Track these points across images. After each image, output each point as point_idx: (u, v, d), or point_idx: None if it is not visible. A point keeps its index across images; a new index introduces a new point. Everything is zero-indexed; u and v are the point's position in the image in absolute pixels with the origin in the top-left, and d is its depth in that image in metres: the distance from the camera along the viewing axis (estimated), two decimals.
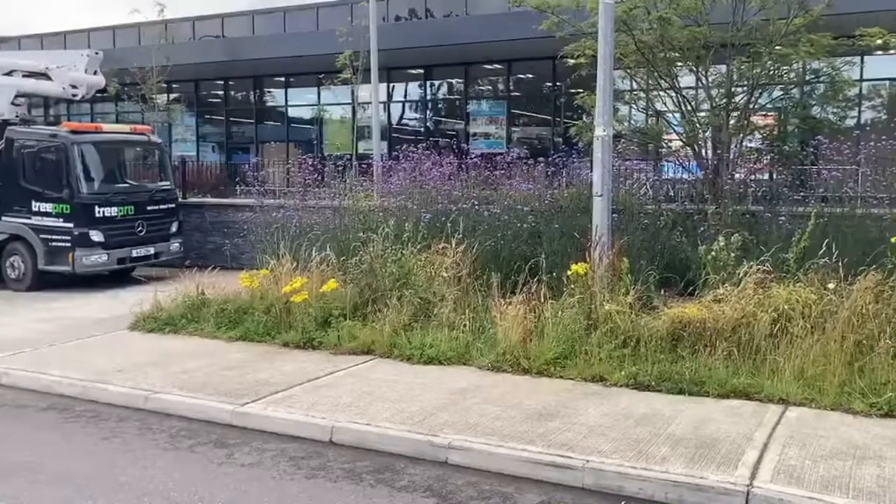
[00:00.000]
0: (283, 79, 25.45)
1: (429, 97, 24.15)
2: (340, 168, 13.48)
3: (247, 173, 13.23)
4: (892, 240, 7.12)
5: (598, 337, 7.22)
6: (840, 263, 7.15)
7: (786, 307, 6.88)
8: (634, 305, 7.41)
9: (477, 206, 10.07)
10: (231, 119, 27.20)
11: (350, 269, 9.12)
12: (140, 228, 13.32)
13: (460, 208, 9.92)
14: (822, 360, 6.48)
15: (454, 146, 15.10)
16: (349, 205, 11.03)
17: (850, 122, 17.01)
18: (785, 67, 10.29)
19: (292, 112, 26.06)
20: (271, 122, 26.52)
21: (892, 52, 17.90)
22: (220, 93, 27.42)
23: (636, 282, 7.79)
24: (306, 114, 25.94)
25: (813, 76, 11.52)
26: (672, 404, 6.19)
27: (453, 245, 8.89)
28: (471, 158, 11.30)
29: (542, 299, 7.80)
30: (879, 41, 9.69)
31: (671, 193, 11.73)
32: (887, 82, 19.67)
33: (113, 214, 12.96)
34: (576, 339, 7.34)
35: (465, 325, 7.97)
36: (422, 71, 23.50)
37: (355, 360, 7.73)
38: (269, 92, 26.84)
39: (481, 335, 7.84)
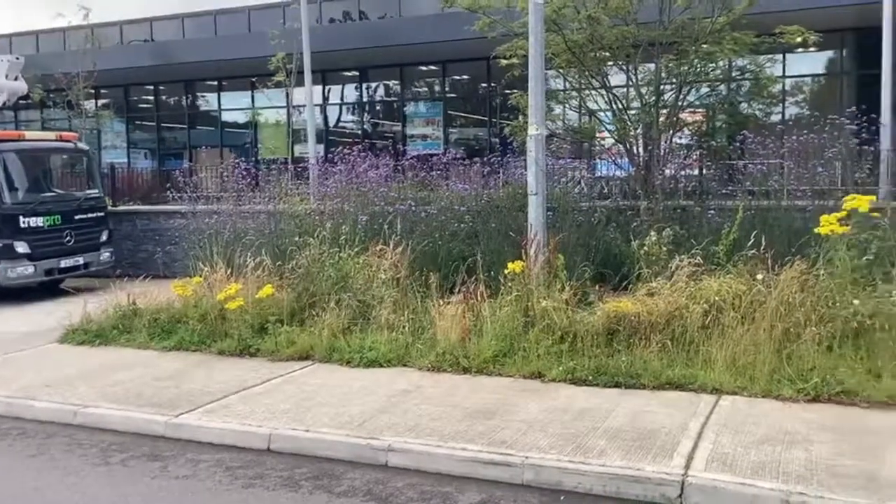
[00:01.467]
0: (215, 83, 25.01)
1: (365, 99, 24.05)
2: (275, 172, 13.30)
3: (179, 179, 12.91)
4: (815, 230, 7.32)
5: (536, 334, 7.28)
6: (768, 254, 7.36)
7: (717, 299, 7.04)
8: (570, 301, 7.49)
9: (414, 208, 10.05)
10: (163, 124, 26.61)
11: (287, 274, 8.99)
12: (68, 238, 12.91)
13: (397, 210, 9.88)
14: (753, 349, 6.64)
15: (391, 148, 15.06)
16: (284, 209, 10.88)
17: (776, 118, 17.61)
18: (711, 65, 10.55)
19: (226, 116, 25.65)
20: (204, 127, 26.02)
21: (812, 49, 18.61)
22: (151, 98, 26.81)
23: (572, 278, 7.89)
24: (240, 118, 25.55)
25: (739, 73, 11.84)
26: (609, 398, 6.27)
27: (391, 247, 8.86)
28: (407, 160, 11.27)
29: (480, 298, 7.83)
30: (798, 39, 10.00)
31: (605, 190, 11.91)
32: (809, 78, 20.38)
33: (39, 225, 12.53)
34: (514, 336, 7.39)
35: (404, 327, 7.94)
36: (357, 73, 23.40)
37: (294, 366, 7.62)
38: (201, 96, 26.35)
39: (421, 336, 7.82)
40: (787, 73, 18.77)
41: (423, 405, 6.28)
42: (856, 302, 6.79)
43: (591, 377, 6.66)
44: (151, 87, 26.38)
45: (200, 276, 9.30)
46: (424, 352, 7.52)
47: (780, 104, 18.47)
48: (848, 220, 7.35)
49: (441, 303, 7.89)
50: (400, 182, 10.78)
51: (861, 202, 7.19)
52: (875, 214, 7.38)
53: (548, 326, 7.32)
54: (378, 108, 24.47)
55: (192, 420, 6.21)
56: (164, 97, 26.85)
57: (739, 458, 4.90)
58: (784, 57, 17.62)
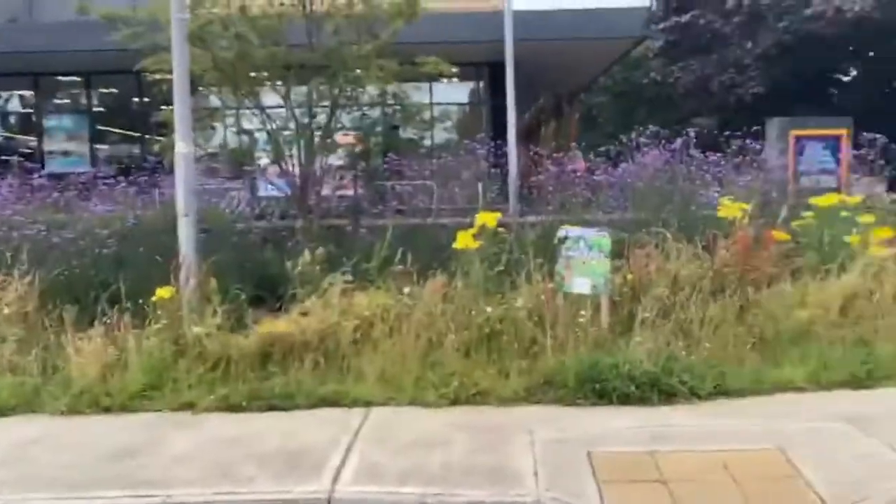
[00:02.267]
0: None
1: None
2: None
3: None
4: (453, 245, 7.94)
5: (188, 363, 6.91)
6: (414, 269, 7.81)
7: (367, 314, 7.29)
8: (224, 326, 7.25)
9: (45, 232, 9.01)
10: None
11: None
12: None
13: (24, 235, 8.78)
14: (401, 360, 6.98)
15: (22, 165, 13.43)
16: None
17: (428, 142, 18.99)
18: (360, 89, 10.99)
19: None
20: None
21: (454, 80, 20.36)
22: None
23: (226, 301, 7.65)
24: None
25: (391, 99, 12.51)
26: (263, 422, 6.15)
27: (17, 277, 7.84)
28: (39, 178, 10.11)
29: (125, 329, 7.24)
30: (435, 69, 10.83)
31: (263, 211, 11.82)
32: (456, 106, 22.32)
33: None
34: (163, 367, 6.92)
35: (33, 368, 7.05)
36: None
37: None
38: None
39: (54, 376, 7.00)
40: (435, 101, 20.27)
41: (53, 453, 5.60)
42: (488, 309, 7.46)
43: (245, 403, 6.47)
44: None
45: None
46: (58, 394, 6.72)
47: (430, 130, 19.91)
48: (480, 236, 8.10)
49: (78, 337, 7.15)
50: (27, 203, 9.61)
51: (489, 219, 7.96)
52: (501, 230, 8.21)
53: (200, 354, 6.98)
54: (12, 121, 21.74)
55: None
56: None
57: (387, 468, 5.09)
58: (431, 86, 19.06)
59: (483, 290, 7.88)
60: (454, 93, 21.94)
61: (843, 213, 8.61)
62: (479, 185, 12.79)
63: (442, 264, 8.24)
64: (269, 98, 11.63)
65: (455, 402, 6.48)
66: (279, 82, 11.06)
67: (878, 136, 10.03)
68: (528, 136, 32.38)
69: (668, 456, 5.25)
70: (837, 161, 11.61)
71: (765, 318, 7.36)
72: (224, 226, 9.97)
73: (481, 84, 21.73)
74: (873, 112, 13.35)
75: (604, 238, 7.58)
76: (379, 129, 12.30)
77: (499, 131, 19.55)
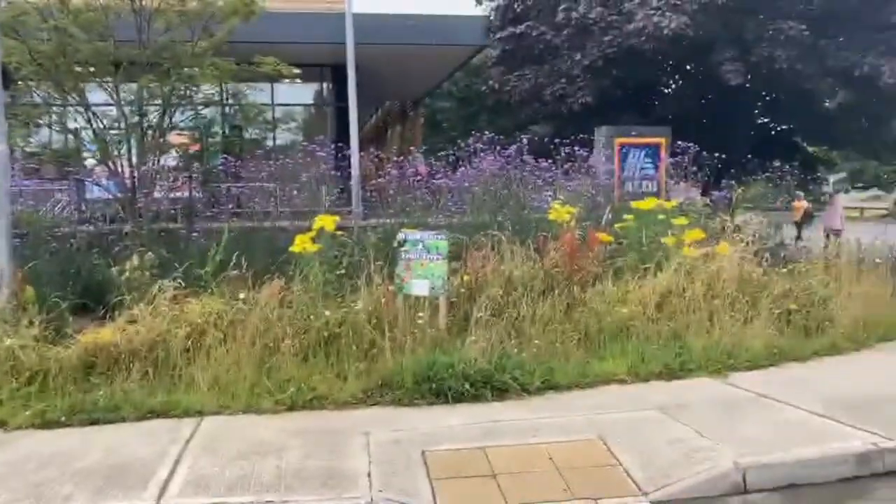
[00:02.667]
0: None
1: None
2: None
3: None
4: (290, 249, 7.85)
5: None
6: (249, 274, 7.65)
7: (199, 321, 7.06)
8: (41, 337, 6.79)
9: None
10: None
11: None
12: None
13: None
14: (235, 367, 6.81)
15: None
16: None
17: (270, 143, 18.60)
18: (194, 88, 10.61)
19: None
20: None
21: (298, 81, 20.09)
22: None
23: (45, 311, 7.16)
24: None
25: (229, 99, 12.15)
26: (84, 437, 5.81)
27: None
28: None
29: None
30: (273, 69, 10.64)
31: (91, 214, 11.15)
32: (301, 108, 21.97)
33: None
34: None
35: None
36: None
37: None
38: None
39: None
40: (278, 102, 19.87)
41: None
42: (327, 313, 7.43)
43: (64, 418, 6.09)
44: None
45: None
46: None
47: (273, 131, 19.51)
48: (319, 239, 8.06)
49: None
50: None
51: (328, 222, 7.94)
52: (340, 233, 8.21)
53: (13, 368, 6.51)
54: None
55: None
56: None
57: (215, 478, 4.95)
58: (273, 87, 18.70)
59: (322, 294, 7.85)
60: (298, 94, 21.56)
61: (661, 217, 9.25)
62: (323, 188, 12.71)
63: (280, 268, 8.13)
64: (97, 95, 10.99)
65: (291, 407, 6.41)
66: (107, 79, 10.47)
67: (690, 145, 10.87)
68: (375, 139, 32.52)
69: (498, 450, 5.45)
70: (657, 167, 12.48)
71: (589, 315, 7.79)
72: (43, 230, 9.30)
73: (325, 86, 21.54)
74: (690, 122, 14.49)
75: (441, 241, 7.76)
76: (216, 129, 11.95)
77: (343, 134, 19.43)
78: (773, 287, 8.24)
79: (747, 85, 15.08)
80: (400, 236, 7.87)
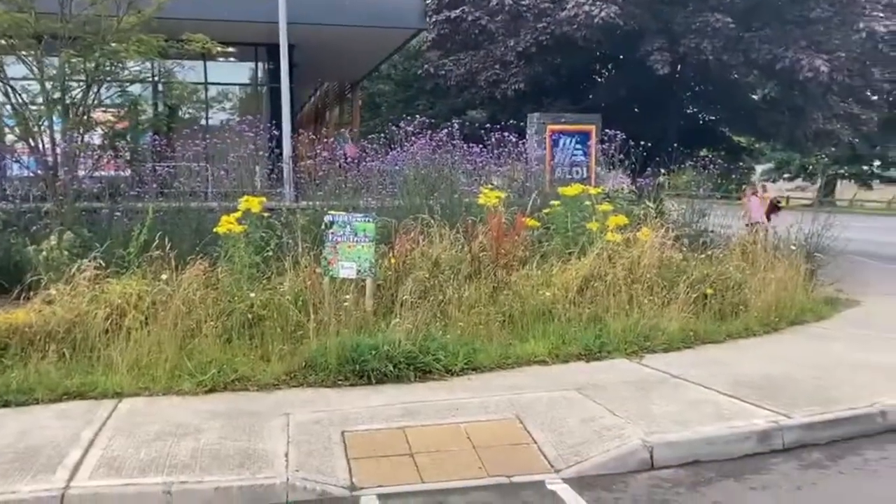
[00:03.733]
0: None
1: None
2: None
3: None
4: (215, 230, 7.77)
5: None
6: (174, 255, 7.54)
7: (120, 301, 6.95)
8: None
9: None
10: None
11: None
12: None
13: None
14: (157, 349, 6.74)
15: None
16: None
17: (203, 123, 18.24)
18: (119, 64, 10.34)
19: None
20: None
21: (232, 59, 19.74)
22: None
23: None
24: None
25: (157, 76, 11.87)
26: None
27: None
28: None
29: None
30: (203, 47, 10.45)
31: (10, 192, 10.79)
32: (237, 88, 21.57)
33: None
34: None
35: None
36: None
37: None
38: None
39: None
40: (212, 81, 19.48)
41: None
42: (252, 295, 7.40)
43: None
44: None
45: None
46: None
47: (206, 110, 19.15)
48: (245, 220, 7.99)
49: None
50: None
51: (253, 203, 7.88)
52: (267, 214, 8.15)
53: None
54: None
55: None
56: None
57: (130, 460, 4.91)
58: (206, 65, 18.33)
59: (248, 276, 7.81)
60: (233, 74, 21.16)
61: (587, 203, 9.45)
62: (256, 169, 12.56)
63: (206, 250, 8.05)
64: (17, 69, 10.61)
65: (213, 389, 6.38)
66: (27, 52, 10.12)
67: (617, 132, 11.10)
68: (314, 120, 32.15)
69: (418, 430, 5.54)
70: (587, 154, 12.70)
71: (514, 298, 7.93)
72: None
73: (261, 66, 21.18)
74: (621, 111, 14.75)
75: (369, 223, 7.78)
76: (145, 107, 11.67)
77: (278, 114, 19.27)
78: (691, 272, 8.51)
79: (677, 75, 15.44)
80: (327, 218, 7.86)
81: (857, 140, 19.86)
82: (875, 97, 15.90)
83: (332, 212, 8.03)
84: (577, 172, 12.58)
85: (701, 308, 8.31)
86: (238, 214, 7.86)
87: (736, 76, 15.49)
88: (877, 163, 42.52)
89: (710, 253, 9.29)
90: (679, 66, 14.23)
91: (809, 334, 8.52)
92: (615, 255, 8.50)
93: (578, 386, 6.48)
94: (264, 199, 8.15)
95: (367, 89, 30.40)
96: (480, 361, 7.01)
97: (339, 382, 6.61)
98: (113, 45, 9.95)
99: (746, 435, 5.39)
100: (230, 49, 19.41)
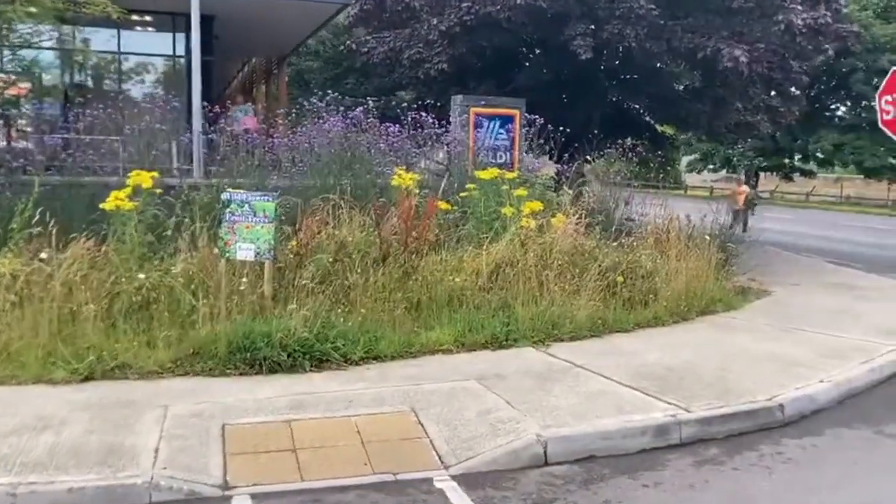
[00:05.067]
0: None
1: None
2: None
3: None
4: (102, 205, 7.26)
5: None
6: (59, 232, 7.00)
7: None
8: None
9: None
10: None
11: None
12: None
13: None
14: (31, 334, 6.25)
15: None
16: None
17: (118, 93, 17.36)
18: (6, 26, 9.61)
19: None
20: None
21: (149, 29, 18.87)
22: None
23: None
24: None
25: (53, 42, 11.11)
26: None
27: None
28: None
29: None
30: (102, 11, 9.80)
31: None
32: (158, 58, 20.61)
33: None
34: None
35: None
36: None
37: None
38: None
39: None
40: (126, 50, 18.59)
41: None
42: (141, 276, 6.93)
43: None
44: None
45: None
46: None
47: (119, 81, 18.28)
48: (138, 196, 7.48)
49: None
50: None
51: (144, 178, 7.38)
52: (159, 191, 7.65)
53: None
54: None
55: None
56: None
57: None
58: (119, 33, 17.47)
59: (139, 256, 7.33)
60: (151, 44, 20.24)
61: (504, 187, 9.21)
62: (173, 145, 11.94)
63: (96, 227, 7.52)
64: None
65: (89, 378, 5.94)
66: None
67: (536, 116, 10.91)
68: (242, 96, 31.12)
69: (304, 424, 5.22)
70: (511, 139, 12.50)
71: (422, 284, 7.66)
72: None
73: (181, 36, 20.31)
74: (547, 96, 14.58)
75: (269, 202, 7.36)
76: (41, 73, 10.93)
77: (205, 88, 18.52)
78: (602, 259, 8.38)
79: (602, 63, 15.33)
80: (224, 196, 7.41)
81: (777, 133, 20.23)
82: (795, 90, 16.11)
83: (231, 189, 7.60)
84: (501, 157, 12.36)
85: (611, 296, 8.19)
86: (128, 190, 7.35)
87: (659, 65, 15.48)
88: (798, 156, 43.73)
89: (623, 241, 9.18)
90: (604, 53, 14.11)
91: (717, 324, 8.51)
92: (528, 240, 8.31)
93: (480, 376, 6.26)
94: (156, 173, 7.64)
95: (296, 66, 29.65)
96: (381, 350, 6.72)
97: (229, 372, 6.24)
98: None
99: (643, 429, 5.25)
100: (147, 18, 18.60)
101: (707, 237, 10.17)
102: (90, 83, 16.84)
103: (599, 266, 8.26)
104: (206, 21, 16.71)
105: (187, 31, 19.28)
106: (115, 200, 7.20)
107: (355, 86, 25.93)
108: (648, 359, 6.88)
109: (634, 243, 9.09)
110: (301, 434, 5.09)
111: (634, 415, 5.42)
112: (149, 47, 19.90)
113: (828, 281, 12.33)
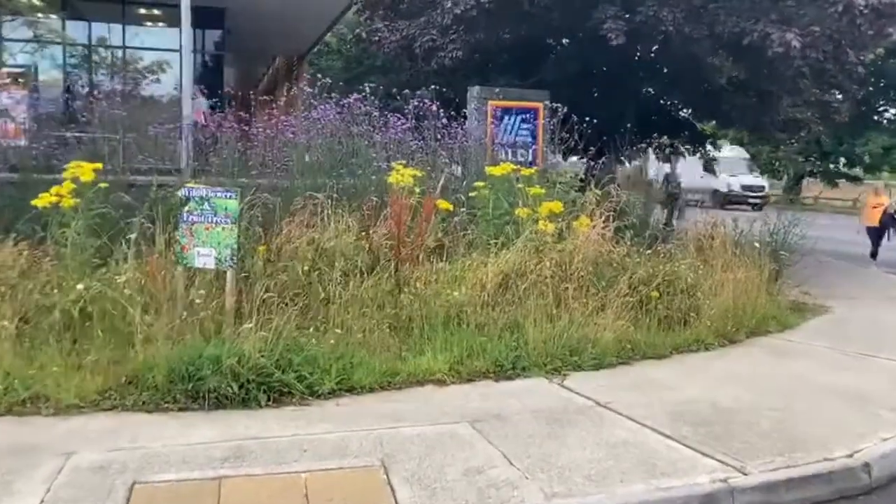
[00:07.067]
0: None
1: None
2: None
3: None
4: (34, 202, 6.16)
5: None
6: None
7: None
8: None
9: None
10: None
11: None
12: None
13: None
14: None
15: None
16: None
17: (121, 88, 16.52)
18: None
19: None
20: None
21: (160, 24, 18.07)
22: None
23: None
24: None
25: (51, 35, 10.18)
26: None
27: None
28: None
29: None
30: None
31: None
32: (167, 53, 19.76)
33: None
34: None
35: None
36: None
37: None
38: None
39: None
40: (135, 45, 17.81)
41: None
42: (80, 287, 5.81)
43: None
44: None
45: None
46: None
47: (123, 75, 17.46)
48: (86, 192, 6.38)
49: None
50: None
51: (84, 171, 6.25)
52: (103, 185, 6.52)
53: None
54: None
55: None
56: None
57: None
58: (124, 28, 16.77)
59: (82, 262, 6.21)
60: (160, 39, 19.40)
61: (519, 186, 7.95)
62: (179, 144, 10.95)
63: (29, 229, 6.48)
64: None
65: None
66: None
67: (558, 106, 9.67)
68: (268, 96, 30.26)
69: (238, 483, 4.02)
70: (534, 134, 11.28)
71: (415, 298, 6.42)
72: None
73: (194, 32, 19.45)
74: (575, 88, 13.31)
75: (231, 199, 6.17)
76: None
77: (214, 84, 17.60)
78: (633, 270, 7.06)
79: (637, 53, 14.01)
80: (182, 192, 6.25)
81: (826, 130, 18.63)
82: (851, 84, 14.55)
83: (189, 184, 6.44)
84: (523, 155, 11.09)
85: (643, 314, 6.86)
86: (68, 185, 6.23)
87: (696, 51, 14.07)
88: (843, 161, 41.62)
89: (659, 248, 7.86)
90: (638, 40, 12.77)
91: (772, 348, 7.13)
92: (544, 247, 7.03)
93: (475, 417, 5.00)
94: (100, 165, 6.52)
95: (317, 65, 28.69)
96: (357, 380, 5.48)
97: (166, 406, 5.06)
98: None
99: (684, 500, 3.95)
100: (155, 11, 17.78)
101: (756, 244, 8.82)
102: (90, 78, 16.07)
103: (630, 278, 6.95)
104: (216, 13, 15.84)
105: (195, 25, 18.47)
106: (48, 197, 6.08)
107: (378, 85, 24.87)
108: (689, 394, 5.56)
109: (672, 251, 7.76)
110: (230, 497, 3.88)
111: (672, 478, 4.11)
112: (161, 43, 19.12)
113: (891, 294, 10.86)
